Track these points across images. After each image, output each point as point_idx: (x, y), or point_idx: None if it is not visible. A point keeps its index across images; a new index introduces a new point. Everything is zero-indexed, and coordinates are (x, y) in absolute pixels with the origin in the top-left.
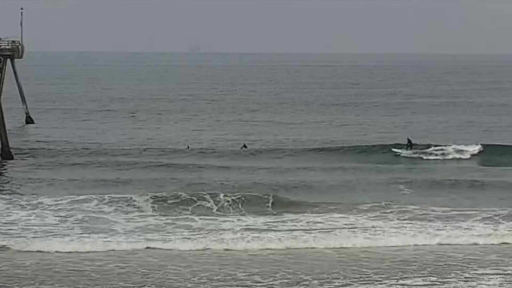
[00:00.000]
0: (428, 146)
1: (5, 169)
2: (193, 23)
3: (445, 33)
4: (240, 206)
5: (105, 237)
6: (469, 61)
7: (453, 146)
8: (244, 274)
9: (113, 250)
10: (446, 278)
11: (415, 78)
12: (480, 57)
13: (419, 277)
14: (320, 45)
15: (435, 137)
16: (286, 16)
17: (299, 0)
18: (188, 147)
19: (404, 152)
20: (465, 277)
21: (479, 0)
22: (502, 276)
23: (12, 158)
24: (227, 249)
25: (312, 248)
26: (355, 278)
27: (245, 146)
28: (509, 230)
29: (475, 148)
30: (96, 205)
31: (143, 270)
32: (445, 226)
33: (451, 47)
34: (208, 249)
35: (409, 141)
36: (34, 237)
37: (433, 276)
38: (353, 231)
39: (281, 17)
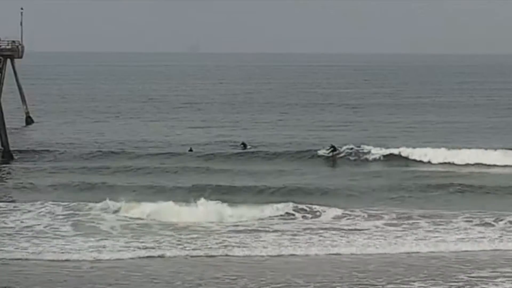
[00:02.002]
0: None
1: (4, 170)
2: (193, 23)
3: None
4: (227, 211)
5: (94, 243)
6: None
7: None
8: (230, 277)
9: (101, 259)
10: (449, 282)
11: (394, 79)
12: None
13: (421, 281)
14: (321, 45)
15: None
16: (287, 16)
17: (300, 0)
18: (191, 149)
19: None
20: (470, 281)
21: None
22: (507, 278)
23: (12, 158)
24: (211, 255)
25: (305, 254)
26: (353, 282)
27: (244, 144)
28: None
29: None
30: (92, 209)
31: (123, 272)
32: (435, 229)
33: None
34: (196, 255)
35: (332, 146)
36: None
37: (435, 280)
38: (343, 236)
39: (282, 17)
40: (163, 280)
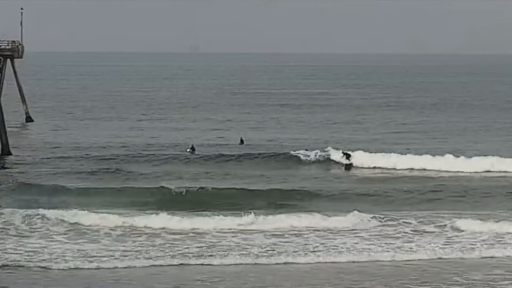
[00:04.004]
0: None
1: (4, 170)
2: (193, 23)
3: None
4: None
5: (75, 246)
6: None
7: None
8: (211, 280)
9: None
10: (448, 284)
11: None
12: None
13: (417, 285)
14: (321, 45)
15: None
16: (287, 16)
17: (300, 1)
18: (192, 148)
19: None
20: (470, 283)
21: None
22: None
23: (11, 156)
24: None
25: (285, 263)
26: (347, 285)
27: (242, 140)
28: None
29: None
30: (87, 215)
31: (99, 276)
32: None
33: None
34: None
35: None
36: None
37: (432, 283)
38: (327, 242)
39: (282, 17)
40: (139, 282)
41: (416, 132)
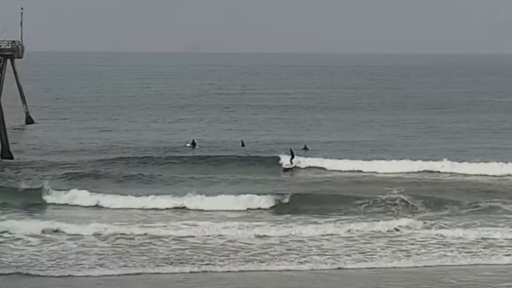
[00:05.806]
0: None
1: (4, 170)
2: (193, 23)
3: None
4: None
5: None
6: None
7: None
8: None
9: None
10: (445, 285)
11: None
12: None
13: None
14: (321, 45)
15: None
16: (287, 16)
17: (299, 0)
18: (193, 143)
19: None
20: (466, 284)
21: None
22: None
23: (12, 158)
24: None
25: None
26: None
27: (242, 143)
28: None
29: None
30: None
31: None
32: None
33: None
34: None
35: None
36: None
37: (426, 286)
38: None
39: (283, 17)
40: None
41: (413, 133)
